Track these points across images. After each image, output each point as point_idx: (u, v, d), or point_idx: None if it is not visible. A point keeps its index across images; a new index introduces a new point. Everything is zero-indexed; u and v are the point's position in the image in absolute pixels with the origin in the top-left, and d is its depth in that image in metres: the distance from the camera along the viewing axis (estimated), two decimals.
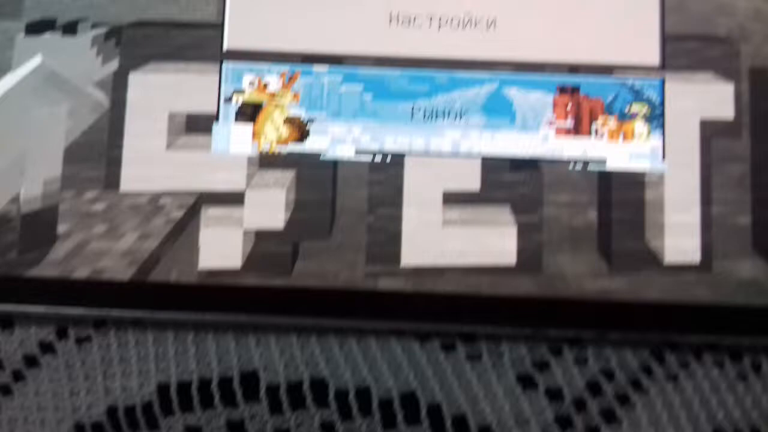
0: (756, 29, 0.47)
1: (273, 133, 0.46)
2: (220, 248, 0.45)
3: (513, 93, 0.46)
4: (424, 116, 0.46)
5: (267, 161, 0.46)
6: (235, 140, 0.45)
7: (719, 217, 0.45)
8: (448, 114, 0.46)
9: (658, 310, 0.44)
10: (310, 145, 0.45)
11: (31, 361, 0.46)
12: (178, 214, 0.45)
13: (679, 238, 0.46)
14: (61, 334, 0.47)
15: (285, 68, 0.46)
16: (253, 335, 0.45)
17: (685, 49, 0.47)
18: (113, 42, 0.46)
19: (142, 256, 0.45)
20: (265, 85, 0.46)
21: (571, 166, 0.46)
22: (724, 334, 0.44)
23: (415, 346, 0.45)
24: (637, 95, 0.46)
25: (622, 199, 0.46)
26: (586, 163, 0.46)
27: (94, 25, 0.46)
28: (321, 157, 0.45)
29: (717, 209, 0.45)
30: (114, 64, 0.46)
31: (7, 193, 0.45)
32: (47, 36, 0.47)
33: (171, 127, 0.46)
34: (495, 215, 0.46)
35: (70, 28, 0.46)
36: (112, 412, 0.45)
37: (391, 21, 0.47)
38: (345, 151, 0.46)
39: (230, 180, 0.46)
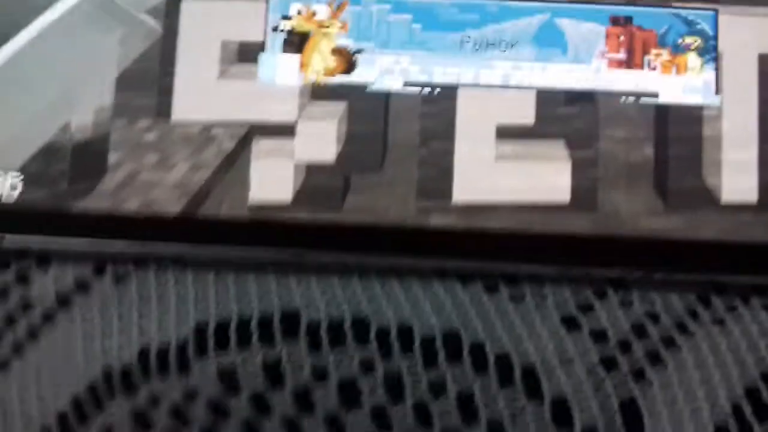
0: None
1: (320, 64, 0.45)
2: (270, 181, 0.44)
3: (565, 23, 0.46)
4: (474, 47, 0.45)
5: (319, 92, 0.45)
6: (282, 70, 0.45)
7: None
8: (499, 45, 0.45)
9: (708, 248, 0.43)
10: (358, 76, 0.44)
11: (63, 301, 0.45)
12: (229, 145, 0.45)
13: (737, 176, 0.44)
14: (99, 271, 0.46)
15: None
16: (294, 275, 0.45)
17: None
18: None
19: (193, 189, 0.45)
20: (313, 14, 0.45)
21: (623, 99, 0.45)
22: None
23: (457, 286, 0.44)
24: (690, 27, 0.45)
25: (679, 134, 0.45)
26: (638, 97, 0.45)
27: None
28: (367, 89, 0.44)
29: None
30: None
31: (58, 121, 0.45)
32: None
33: (223, 55, 0.46)
34: (549, 150, 0.45)
35: None
36: (143, 354, 0.44)
37: None
38: (393, 83, 0.45)
39: (282, 111, 0.45)
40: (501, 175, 0.45)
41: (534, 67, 0.45)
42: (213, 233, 0.44)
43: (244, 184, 0.45)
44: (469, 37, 0.45)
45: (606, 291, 0.45)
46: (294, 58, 0.45)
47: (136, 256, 0.45)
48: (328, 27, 0.46)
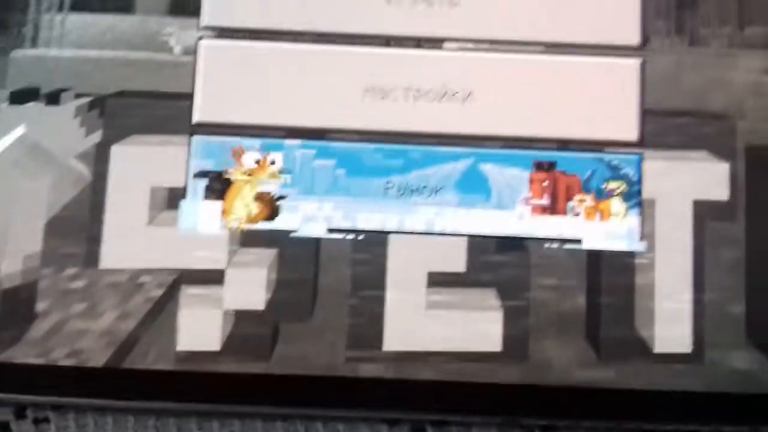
0: (754, 105, 0.45)
1: (242, 211, 0.44)
2: (198, 330, 0.43)
3: (489, 169, 0.45)
4: (398, 193, 0.44)
5: (248, 239, 0.44)
6: (204, 218, 0.44)
7: (712, 304, 0.43)
8: (423, 190, 0.44)
9: (637, 396, 0.42)
10: (282, 223, 0.43)
11: None
12: (157, 293, 0.44)
13: (670, 326, 0.44)
14: (19, 414, 0.46)
15: (257, 142, 0.44)
16: (217, 420, 0.43)
17: (676, 125, 0.44)
18: (96, 113, 0.45)
19: (120, 338, 0.44)
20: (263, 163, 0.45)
21: (547, 246, 0.44)
22: (704, 423, 0.42)
23: (383, 430, 0.43)
24: (614, 172, 0.45)
25: (611, 283, 0.44)
26: (562, 243, 0.45)
27: (77, 95, 0.45)
28: (290, 236, 0.44)
29: (710, 296, 0.43)
30: (97, 136, 0.45)
31: None
32: (31, 105, 0.45)
33: (152, 202, 0.45)
34: (481, 299, 0.44)
35: (54, 98, 0.45)
36: None
37: (365, 94, 0.45)
38: (316, 230, 0.44)
39: (210, 258, 0.44)
40: (432, 324, 0.44)
41: (458, 213, 0.44)
42: (136, 386, 0.43)
43: (171, 332, 0.44)
44: (392, 182, 0.44)
45: None
46: (216, 206, 0.44)
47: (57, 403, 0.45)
48: (255, 174, 0.45)
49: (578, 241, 0.45)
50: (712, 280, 0.44)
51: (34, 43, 0.46)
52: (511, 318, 0.44)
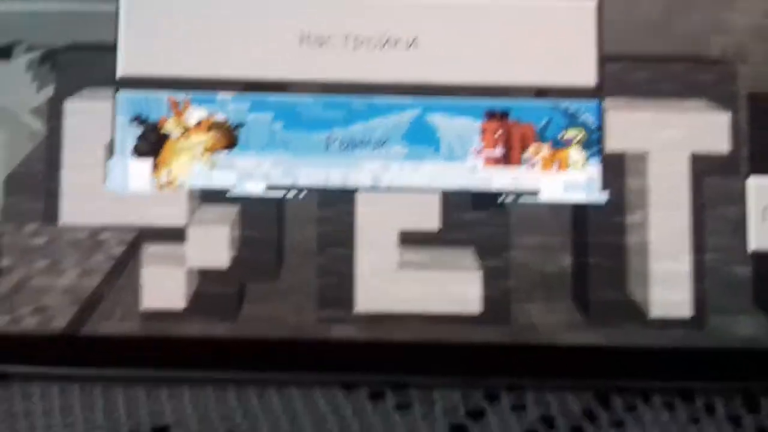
0: (755, 49, 0.38)
1: (185, 165, 0.41)
2: (162, 288, 0.41)
3: (437, 119, 0.41)
4: (341, 147, 0.40)
5: (209, 195, 0.42)
6: (133, 176, 0.42)
7: (713, 265, 0.39)
8: (367, 144, 0.40)
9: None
10: (216, 180, 0.40)
11: None
12: (118, 250, 0.42)
13: (667, 289, 0.39)
14: None
15: (186, 96, 0.40)
16: (166, 388, 0.41)
17: (672, 72, 0.39)
18: (48, 66, 0.42)
19: (84, 295, 0.42)
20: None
21: (501, 199, 0.40)
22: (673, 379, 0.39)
23: (339, 395, 0.41)
24: (572, 120, 0.41)
25: (600, 242, 0.40)
26: (517, 195, 0.41)
27: (29, 49, 0.42)
28: (227, 194, 0.41)
29: (711, 257, 0.39)
30: (50, 90, 0.42)
31: None
32: None
33: (108, 157, 0.42)
34: (457, 258, 0.40)
35: (5, 52, 0.42)
36: None
37: (302, 41, 0.42)
38: (254, 187, 0.41)
39: (170, 215, 0.42)
40: (404, 284, 0.41)
41: (405, 166, 0.40)
42: (100, 352, 0.42)
43: (135, 290, 0.42)
44: (334, 136, 0.41)
45: (498, 394, 0.40)
46: (144, 163, 0.42)
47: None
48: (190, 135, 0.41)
49: (535, 193, 0.41)
50: (713, 240, 0.39)
51: None
52: (490, 279, 0.40)
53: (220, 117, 0.42)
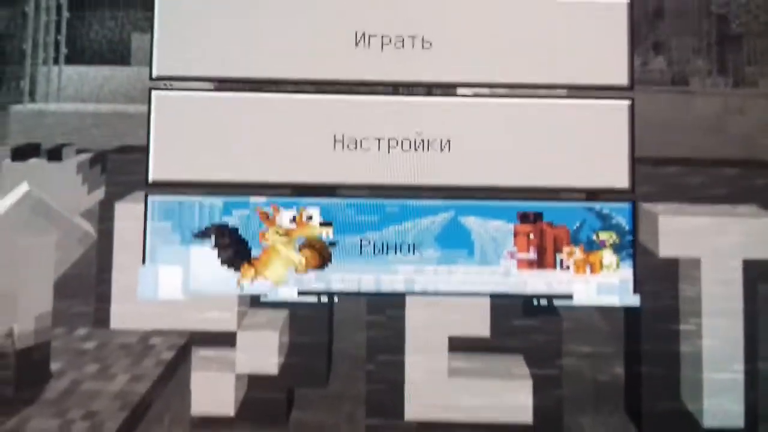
0: None
1: (281, 270, 0.41)
2: (212, 393, 0.41)
3: (470, 222, 0.41)
4: (374, 250, 0.40)
5: (258, 300, 0.41)
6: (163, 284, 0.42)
7: (767, 374, 0.38)
8: (401, 247, 0.40)
9: None
10: (251, 287, 0.42)
11: None
12: (168, 354, 0.42)
13: (720, 398, 0.38)
14: None
15: (219, 200, 0.41)
16: None
17: (723, 176, 0.38)
18: (98, 169, 0.42)
19: (134, 400, 0.42)
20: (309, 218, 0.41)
21: (535, 302, 0.41)
22: None
23: None
24: (605, 221, 0.42)
25: (652, 351, 0.39)
26: (550, 299, 0.41)
27: (79, 151, 0.42)
28: (261, 299, 0.42)
29: (764, 365, 0.38)
30: (100, 193, 0.42)
31: (1, 327, 0.43)
32: (33, 162, 0.43)
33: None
34: (508, 366, 0.40)
35: (56, 154, 0.43)
36: None
37: (335, 144, 0.42)
38: (287, 293, 0.42)
39: (220, 319, 0.41)
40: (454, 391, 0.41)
41: (438, 270, 0.40)
42: None
43: (185, 394, 0.42)
44: (368, 239, 0.42)
45: None
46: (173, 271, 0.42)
47: None
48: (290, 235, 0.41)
49: (568, 296, 0.41)
50: (766, 348, 0.38)
51: (32, 97, 0.43)
52: (541, 387, 0.40)
53: (311, 212, 0.42)
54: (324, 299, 0.42)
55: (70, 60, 0.46)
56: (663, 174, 0.42)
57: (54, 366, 0.45)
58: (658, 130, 0.42)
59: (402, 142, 0.42)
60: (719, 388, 0.41)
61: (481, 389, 0.42)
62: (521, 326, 0.42)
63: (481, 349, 0.42)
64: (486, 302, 0.42)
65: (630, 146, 0.42)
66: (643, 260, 0.41)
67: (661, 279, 0.41)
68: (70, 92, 0.46)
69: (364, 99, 0.42)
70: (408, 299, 0.43)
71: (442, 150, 0.42)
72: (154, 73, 0.42)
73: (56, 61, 0.46)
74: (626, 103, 0.42)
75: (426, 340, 0.43)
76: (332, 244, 0.42)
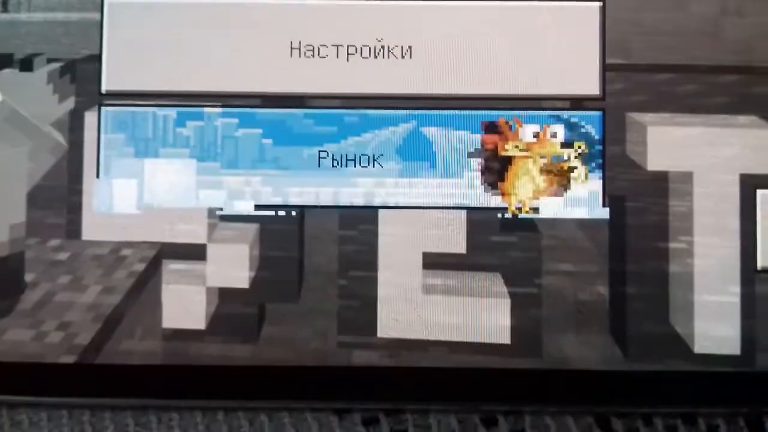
0: None
1: (527, 188, 0.39)
2: (183, 307, 0.40)
3: (433, 132, 0.39)
4: (333, 162, 0.38)
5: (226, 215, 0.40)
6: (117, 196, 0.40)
7: (765, 298, 0.35)
8: (360, 160, 0.39)
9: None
10: (206, 200, 0.40)
11: None
12: (139, 267, 0.41)
13: (714, 323, 0.36)
14: None
15: (172, 111, 0.39)
16: (155, 414, 0.40)
17: (720, 83, 0.35)
18: (68, 78, 0.41)
19: (106, 312, 0.41)
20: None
21: (499, 215, 0.39)
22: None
23: (333, 421, 0.38)
24: (573, 131, 0.39)
25: (639, 270, 0.36)
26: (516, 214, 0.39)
27: (49, 60, 0.41)
28: (217, 213, 0.41)
29: (762, 288, 0.35)
30: (70, 102, 0.40)
31: None
32: (5, 72, 0.42)
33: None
34: (485, 284, 0.37)
35: (27, 64, 0.41)
36: None
37: (292, 52, 0.39)
38: (243, 207, 0.40)
39: (190, 233, 0.40)
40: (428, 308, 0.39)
41: (399, 183, 0.38)
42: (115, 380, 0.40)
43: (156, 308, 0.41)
44: (326, 151, 0.39)
45: (496, 418, 0.37)
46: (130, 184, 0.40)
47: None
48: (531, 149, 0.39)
49: (535, 210, 0.39)
50: (765, 269, 0.35)
51: (5, 7, 0.42)
52: (519, 306, 0.37)
53: (556, 129, 0.39)
54: (293, 213, 0.40)
55: None
56: (654, 81, 0.39)
57: (28, 277, 0.44)
58: (648, 34, 0.38)
59: (362, 49, 0.39)
60: (712, 311, 0.38)
61: (457, 307, 0.40)
62: (499, 243, 0.39)
63: (457, 266, 0.40)
64: (462, 217, 0.40)
65: (601, 52, 0.39)
66: (630, 174, 0.38)
67: (650, 194, 0.38)
68: (40, 1, 0.44)
69: (322, 3, 0.40)
70: (381, 213, 0.40)
71: (403, 57, 0.39)
72: None
73: None
74: (597, 4, 0.39)
75: (399, 256, 0.40)
76: (572, 168, 0.39)
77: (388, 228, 0.41)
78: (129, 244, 0.44)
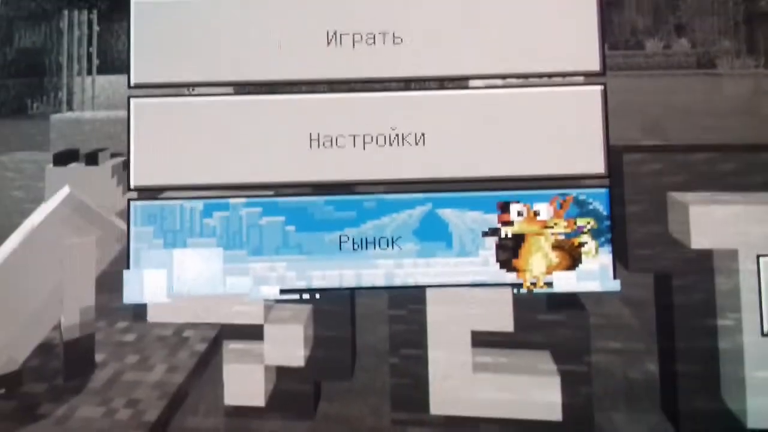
0: None
1: (541, 264, 0.40)
2: (243, 384, 0.41)
3: (448, 214, 0.40)
4: (353, 246, 0.40)
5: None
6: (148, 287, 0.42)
7: None
8: (379, 242, 0.40)
9: None
10: (230, 286, 0.42)
11: None
12: (201, 346, 0.42)
13: (766, 398, 0.35)
14: None
15: (199, 204, 0.41)
16: None
17: (759, 162, 0.35)
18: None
19: (171, 390, 0.42)
20: (536, 214, 0.40)
21: (515, 291, 0.40)
22: None
23: None
24: (582, 208, 0.40)
25: (688, 348, 0.36)
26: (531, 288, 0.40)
27: (113, 155, 0.43)
28: (231, 300, 0.43)
29: None
30: (132, 194, 0.42)
31: (50, 321, 0.45)
32: (73, 166, 0.44)
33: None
34: (534, 361, 0.38)
35: (92, 158, 0.44)
36: None
37: (311, 143, 0.41)
38: (269, 292, 0.41)
39: (248, 313, 0.41)
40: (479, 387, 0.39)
41: (418, 263, 0.39)
42: None
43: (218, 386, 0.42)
44: (347, 236, 0.41)
45: None
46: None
47: None
48: (552, 227, 0.40)
49: (549, 285, 0.40)
50: None
51: (69, 106, 0.44)
52: (570, 384, 0.37)
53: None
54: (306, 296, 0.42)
55: (102, 70, 0.47)
56: (692, 161, 0.39)
57: (98, 357, 0.46)
58: (685, 115, 0.38)
59: (377, 138, 0.41)
60: (764, 386, 0.37)
61: (508, 385, 0.40)
62: (546, 321, 0.39)
63: (505, 344, 0.40)
64: (508, 296, 0.40)
65: (604, 132, 0.40)
66: (674, 252, 0.38)
67: (695, 272, 0.38)
68: (102, 100, 0.47)
69: (338, 96, 0.41)
70: (428, 293, 0.41)
71: (417, 144, 0.40)
72: (132, 81, 0.42)
73: (89, 72, 0.47)
74: (599, 88, 0.40)
75: (448, 335, 0.41)
76: (582, 244, 0.40)
77: (435, 307, 0.41)
78: (191, 325, 0.45)
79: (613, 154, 0.41)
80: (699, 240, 0.39)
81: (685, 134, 0.41)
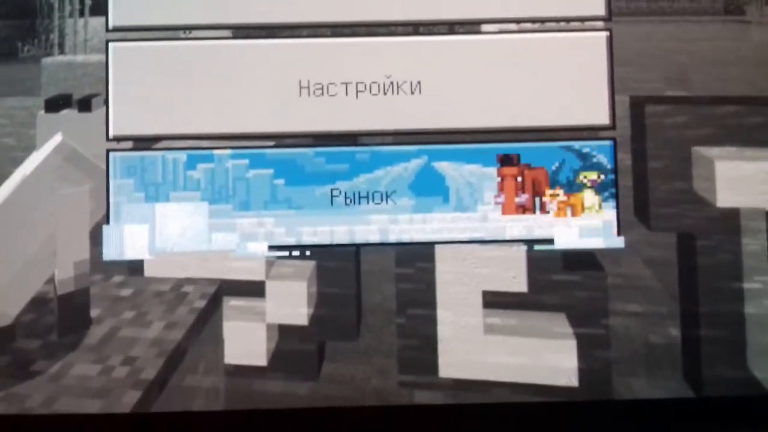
0: None
1: None
2: (244, 343, 0.39)
3: (445, 167, 0.38)
4: (346, 200, 0.38)
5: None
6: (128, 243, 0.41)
7: None
8: (373, 197, 0.38)
9: None
10: (216, 242, 0.40)
11: None
12: (200, 303, 0.40)
13: None
14: None
15: (182, 155, 0.39)
16: None
17: None
18: None
19: (169, 348, 0.41)
20: None
21: (514, 248, 0.39)
22: None
23: None
24: (585, 161, 0.38)
25: (713, 312, 0.34)
26: (531, 245, 0.38)
27: (106, 101, 0.41)
28: (230, 255, 0.41)
29: None
30: (128, 143, 0.40)
31: (43, 274, 0.43)
32: (65, 113, 0.42)
33: None
34: (549, 324, 0.36)
35: (85, 105, 0.41)
36: None
37: (301, 91, 0.39)
38: (256, 248, 0.40)
39: (249, 269, 0.39)
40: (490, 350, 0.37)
41: (414, 219, 0.38)
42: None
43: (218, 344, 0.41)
44: (339, 189, 0.39)
45: None
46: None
47: None
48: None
49: (550, 241, 0.38)
50: None
51: (61, 49, 0.42)
52: (586, 348, 0.35)
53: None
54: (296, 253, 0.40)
55: (95, 11, 0.44)
56: (719, 114, 0.36)
57: (93, 312, 0.45)
58: (711, 65, 0.36)
59: (370, 86, 0.39)
60: None
61: (521, 348, 0.38)
62: (561, 281, 0.37)
63: (519, 305, 0.38)
64: (522, 255, 0.38)
65: (609, 81, 0.38)
66: (698, 211, 0.36)
67: (720, 232, 0.36)
68: (95, 43, 0.44)
69: (330, 42, 0.38)
70: (437, 250, 0.39)
71: (412, 93, 0.38)
72: (111, 24, 0.40)
73: (82, 14, 0.44)
74: (604, 34, 0.38)
75: (458, 295, 0.39)
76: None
77: (445, 265, 0.39)
78: (190, 281, 0.44)
79: (634, 105, 0.39)
80: (725, 198, 0.37)
81: (711, 85, 0.39)
